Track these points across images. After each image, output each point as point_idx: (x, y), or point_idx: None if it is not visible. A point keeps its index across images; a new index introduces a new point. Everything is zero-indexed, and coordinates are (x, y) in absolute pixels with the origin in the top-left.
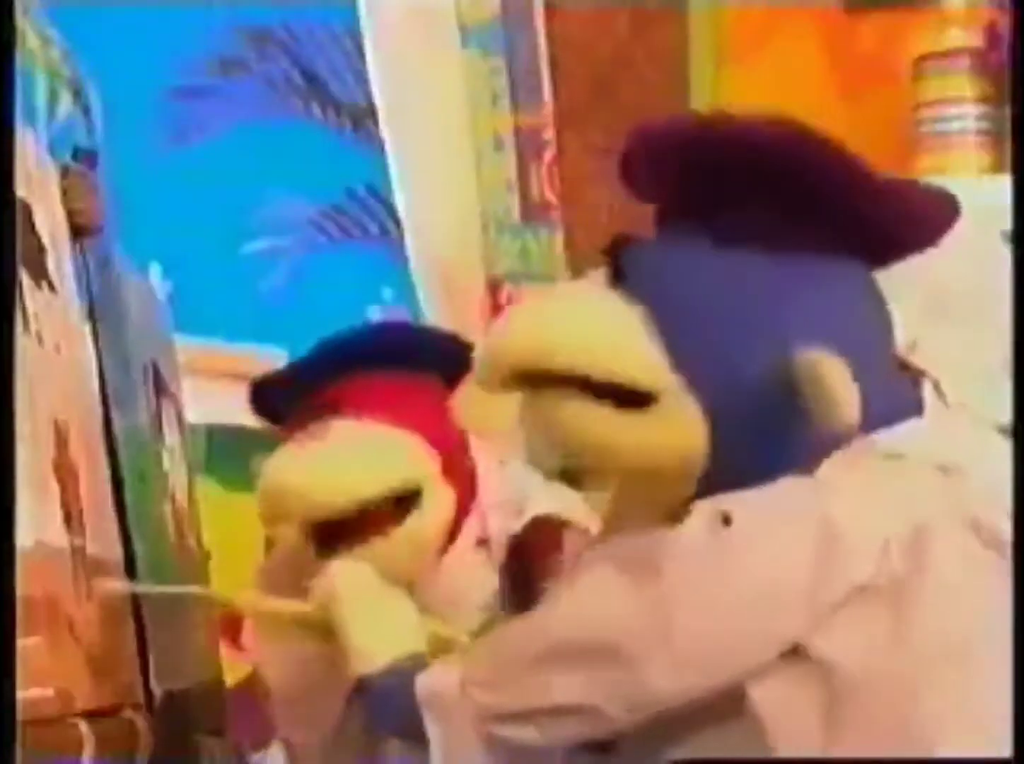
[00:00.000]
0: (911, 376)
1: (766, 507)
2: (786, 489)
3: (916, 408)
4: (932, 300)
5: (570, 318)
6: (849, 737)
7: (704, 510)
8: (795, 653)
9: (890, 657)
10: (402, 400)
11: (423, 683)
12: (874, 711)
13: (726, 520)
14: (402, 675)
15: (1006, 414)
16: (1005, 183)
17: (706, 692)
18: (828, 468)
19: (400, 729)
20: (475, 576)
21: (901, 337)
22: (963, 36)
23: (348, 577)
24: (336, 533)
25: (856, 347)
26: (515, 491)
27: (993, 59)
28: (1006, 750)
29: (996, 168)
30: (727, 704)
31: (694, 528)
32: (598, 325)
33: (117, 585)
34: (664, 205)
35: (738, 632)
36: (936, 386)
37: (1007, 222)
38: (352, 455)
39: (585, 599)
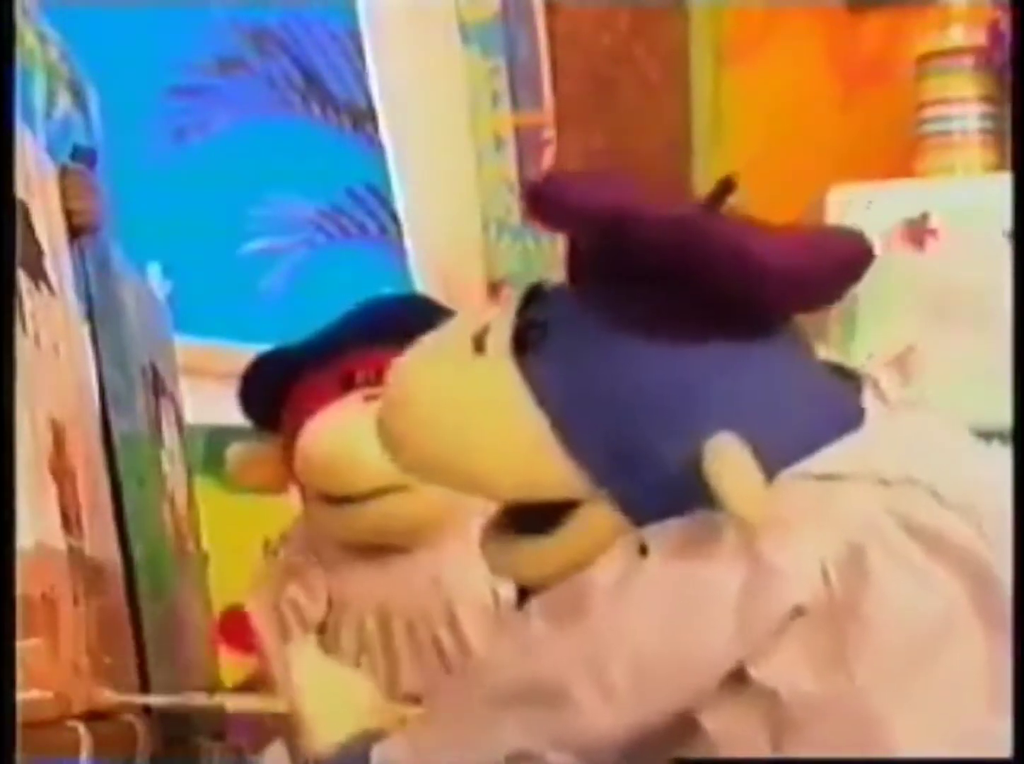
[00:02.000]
0: (851, 384)
1: (685, 536)
2: (709, 517)
3: (854, 420)
4: (935, 300)
5: (476, 447)
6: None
7: (621, 543)
8: (741, 681)
9: (841, 679)
10: None
11: (378, 754)
12: (831, 734)
13: (642, 550)
14: (355, 751)
15: (1006, 415)
16: (1007, 182)
17: (649, 725)
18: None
19: None
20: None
21: (900, 339)
22: (965, 35)
23: (301, 661)
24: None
25: (770, 412)
26: None
27: (995, 58)
28: (1005, 750)
29: (998, 167)
30: (688, 738)
31: (612, 561)
32: (506, 453)
33: (115, 696)
34: (572, 261)
35: (666, 660)
36: (875, 387)
37: (1008, 221)
38: None
39: (519, 645)
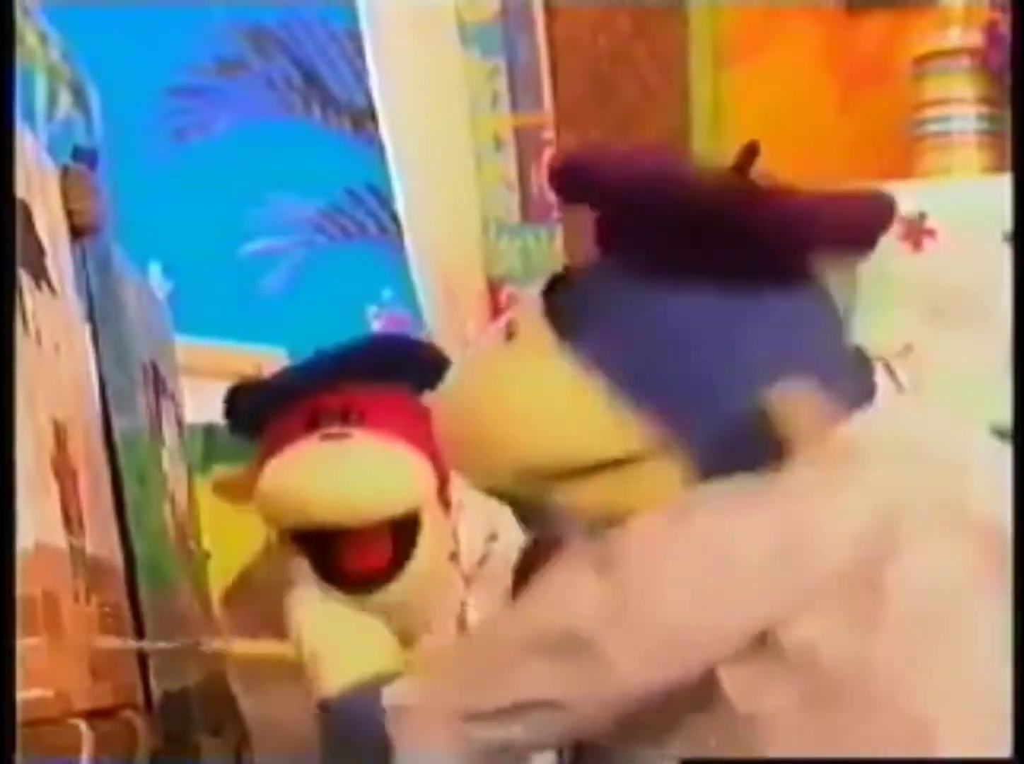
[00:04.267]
0: (864, 362)
1: (726, 501)
2: (749, 484)
3: (869, 394)
4: (932, 300)
5: (529, 418)
6: (836, 722)
7: (665, 503)
8: (767, 644)
9: (871, 644)
10: (412, 416)
11: (390, 694)
12: (861, 696)
13: (683, 513)
14: (366, 692)
15: (1006, 414)
16: (1005, 183)
17: (673, 681)
18: (793, 465)
19: (363, 747)
20: (447, 586)
21: (897, 339)
22: (963, 36)
23: (309, 604)
24: (321, 545)
25: (816, 361)
26: (484, 510)
27: (993, 59)
28: (1005, 736)
29: (996, 168)
30: (708, 699)
31: (653, 520)
32: (558, 419)
33: (117, 641)
34: (605, 234)
35: (697, 620)
36: (888, 368)
37: (1007, 222)
38: (372, 469)
39: (553, 592)
